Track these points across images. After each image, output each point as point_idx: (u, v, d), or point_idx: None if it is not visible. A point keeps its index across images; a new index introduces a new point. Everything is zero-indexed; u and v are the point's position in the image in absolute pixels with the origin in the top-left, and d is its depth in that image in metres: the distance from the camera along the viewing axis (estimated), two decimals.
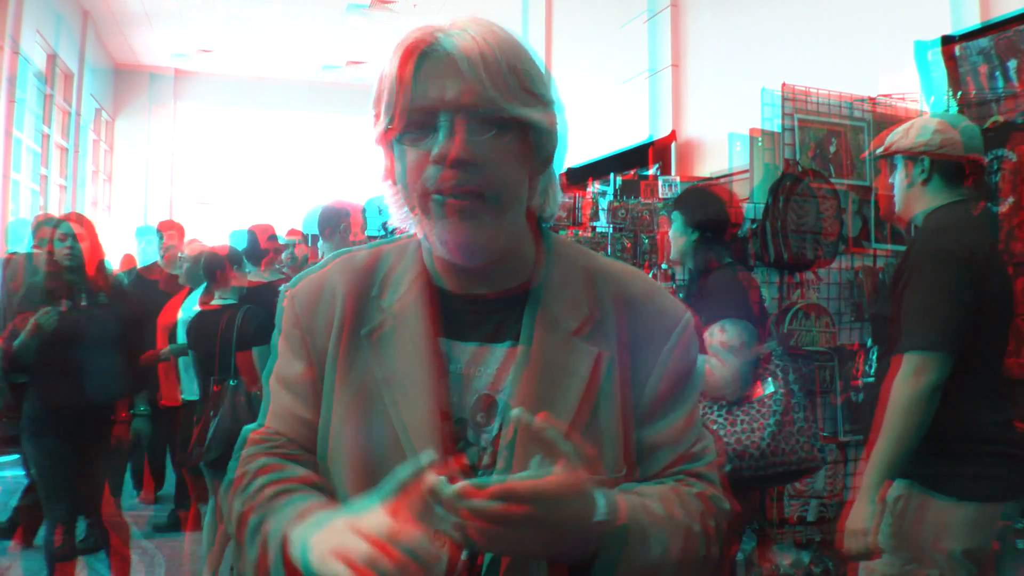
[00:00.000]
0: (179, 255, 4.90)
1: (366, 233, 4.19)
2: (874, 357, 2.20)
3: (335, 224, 3.80)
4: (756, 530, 3.03)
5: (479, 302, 0.95)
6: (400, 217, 0.98)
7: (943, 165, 2.10)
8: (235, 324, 3.55)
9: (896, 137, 2.18)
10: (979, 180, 2.18)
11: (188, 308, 4.48)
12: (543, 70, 0.94)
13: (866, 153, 2.35)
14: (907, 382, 1.90)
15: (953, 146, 2.10)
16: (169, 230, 5.48)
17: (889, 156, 2.20)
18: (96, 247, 3.43)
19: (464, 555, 0.84)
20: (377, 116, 0.92)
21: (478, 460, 0.90)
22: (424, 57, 0.88)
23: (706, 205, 2.85)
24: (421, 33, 0.89)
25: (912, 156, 2.12)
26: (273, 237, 5.36)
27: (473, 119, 0.87)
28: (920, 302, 1.95)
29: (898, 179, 2.19)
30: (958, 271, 1.96)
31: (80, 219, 3.49)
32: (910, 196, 2.16)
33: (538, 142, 0.93)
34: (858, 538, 1.91)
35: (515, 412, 0.80)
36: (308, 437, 0.96)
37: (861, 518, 1.91)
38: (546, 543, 0.78)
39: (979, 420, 1.98)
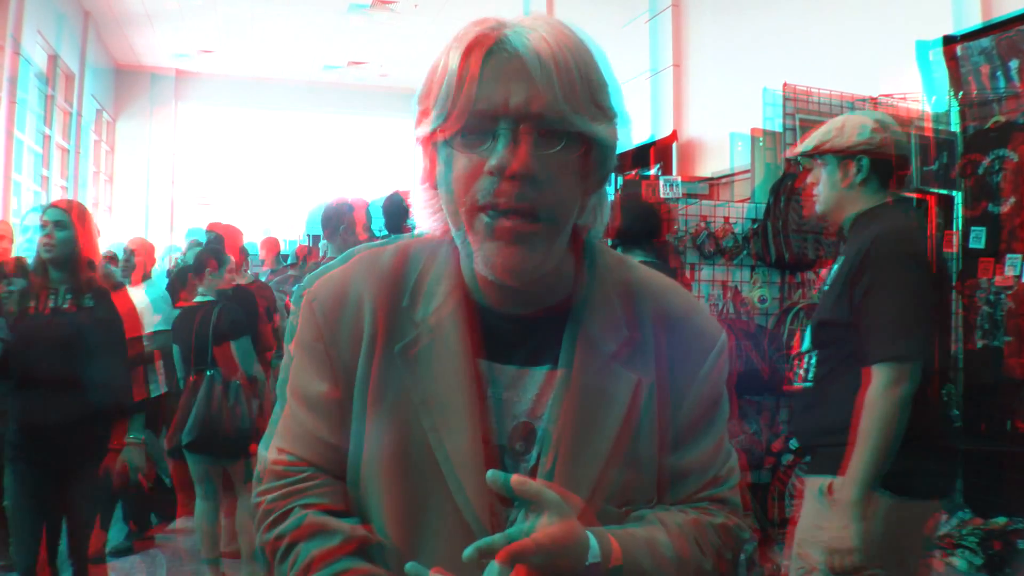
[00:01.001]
0: (123, 249, 4.83)
1: (371, 231, 4.20)
2: (813, 362, 2.09)
3: (334, 224, 3.81)
4: (757, 530, 3.02)
5: (518, 321, 0.90)
6: (431, 223, 0.91)
7: (881, 164, 2.04)
8: (211, 320, 3.76)
9: (830, 135, 2.09)
10: (905, 180, 2.14)
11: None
12: (611, 77, 0.86)
13: (790, 152, 2.27)
14: (884, 394, 1.84)
15: (891, 145, 2.05)
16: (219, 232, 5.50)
17: (820, 155, 2.11)
18: (88, 239, 2.83)
19: None
20: (424, 113, 0.84)
21: None
22: (491, 55, 0.80)
23: (619, 214, 2.97)
24: (487, 27, 0.82)
25: (851, 155, 2.05)
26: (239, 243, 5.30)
27: (539, 130, 0.80)
28: (889, 310, 1.88)
29: (829, 179, 2.10)
30: (922, 276, 1.93)
31: (71, 206, 2.87)
32: (843, 197, 2.08)
33: (600, 159, 0.86)
34: (845, 556, 1.85)
35: (489, 475, 0.77)
36: (334, 461, 0.90)
37: (849, 536, 1.84)
38: None
39: (929, 417, 1.96)
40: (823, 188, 2.12)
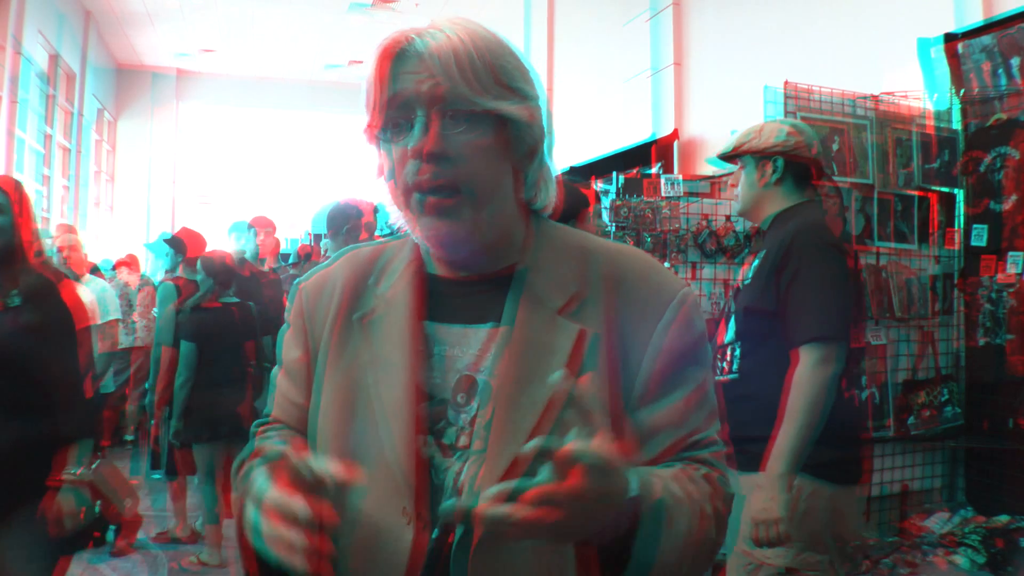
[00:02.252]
0: (55, 247, 4.68)
1: (377, 233, 4.23)
2: (738, 353, 2.15)
3: (338, 224, 3.82)
4: None
5: (466, 284, 0.97)
6: (394, 212, 0.99)
7: (795, 166, 2.19)
8: (254, 317, 4.12)
9: (748, 138, 2.24)
10: (819, 182, 2.29)
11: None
12: (526, 66, 0.95)
13: (717, 153, 2.36)
14: (813, 373, 1.93)
15: (804, 148, 2.19)
16: (265, 227, 5.54)
17: (740, 156, 2.27)
18: (28, 224, 2.23)
19: (433, 534, 0.86)
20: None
21: (456, 440, 0.91)
22: (398, 57, 0.91)
23: None
24: (398, 34, 0.92)
25: (767, 156, 2.20)
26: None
27: (446, 113, 0.89)
28: (815, 294, 1.99)
29: (748, 178, 2.25)
30: (843, 263, 2.05)
31: (7, 184, 2.23)
32: (762, 196, 2.23)
33: (517, 135, 0.93)
34: (771, 527, 1.91)
35: (554, 376, 0.81)
36: (301, 421, 1.00)
37: (775, 507, 1.90)
38: (582, 523, 0.73)
39: (851, 407, 2.07)
40: (742, 188, 2.27)
